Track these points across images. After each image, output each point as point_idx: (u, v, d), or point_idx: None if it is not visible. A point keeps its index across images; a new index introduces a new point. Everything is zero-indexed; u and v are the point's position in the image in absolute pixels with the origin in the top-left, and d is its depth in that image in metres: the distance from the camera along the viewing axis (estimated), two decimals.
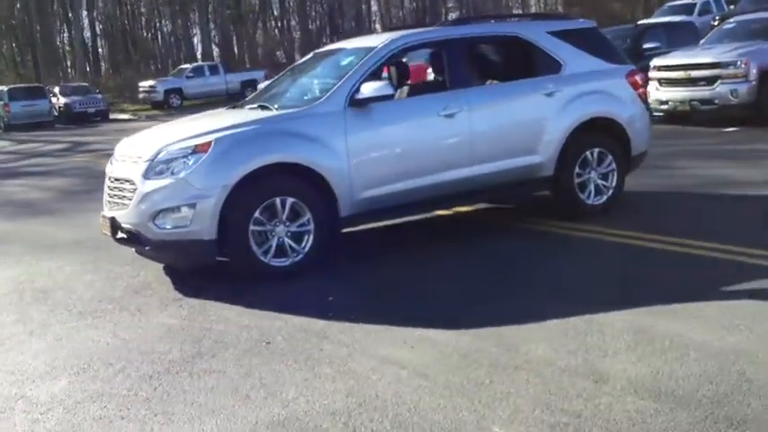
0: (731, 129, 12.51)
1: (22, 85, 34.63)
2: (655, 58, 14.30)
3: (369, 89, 6.05)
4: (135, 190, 5.74)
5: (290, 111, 6.17)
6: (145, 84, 37.14)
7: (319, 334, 4.65)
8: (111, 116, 34.29)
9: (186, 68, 37.85)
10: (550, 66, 6.99)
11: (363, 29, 53.18)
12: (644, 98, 7.47)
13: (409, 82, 7.42)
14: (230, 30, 57.17)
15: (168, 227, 5.63)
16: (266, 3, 60.67)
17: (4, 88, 32.86)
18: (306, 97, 6.47)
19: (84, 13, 65.73)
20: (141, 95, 36.98)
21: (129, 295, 5.76)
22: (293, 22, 61.47)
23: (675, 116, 13.92)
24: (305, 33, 56.58)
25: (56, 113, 33.05)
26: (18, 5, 58.08)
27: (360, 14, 58.76)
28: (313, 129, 5.94)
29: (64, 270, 6.69)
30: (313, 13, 60.92)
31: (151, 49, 63.86)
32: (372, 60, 6.33)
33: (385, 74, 7.24)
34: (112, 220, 5.94)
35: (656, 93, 13.99)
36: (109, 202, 6.12)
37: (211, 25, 55.80)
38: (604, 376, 3.75)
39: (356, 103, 6.08)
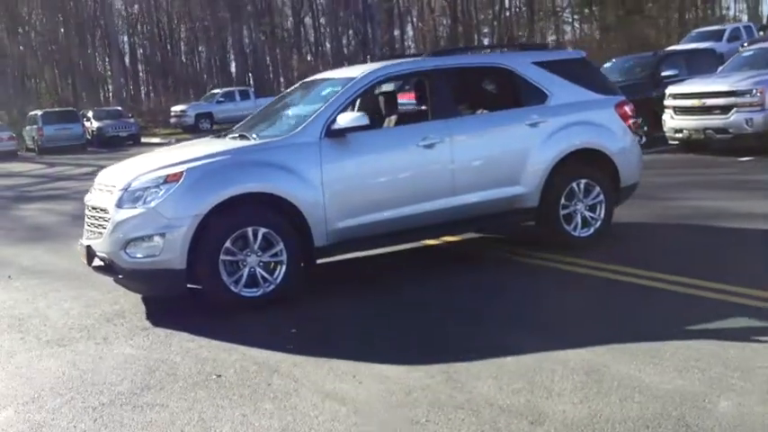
0: (746, 158, 12.27)
1: (55, 109, 35.36)
2: (670, 86, 14.13)
3: (344, 120, 6.06)
4: (109, 219, 5.79)
5: (266, 141, 6.20)
6: (177, 108, 37.70)
7: (272, 367, 4.62)
8: (144, 140, 34.83)
9: (217, 93, 38.33)
10: (536, 96, 6.93)
11: (396, 54, 53.42)
12: (634, 129, 7.35)
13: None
14: (265, 55, 58.01)
15: (139, 256, 5.66)
16: (301, 28, 61.29)
17: (39, 112, 33.57)
18: (285, 127, 6.47)
19: (125, 37, 67.49)
20: (173, 120, 37.52)
21: (100, 324, 5.79)
22: (328, 47, 62.04)
23: (691, 145, 13.74)
24: (338, 59, 57.02)
25: (89, 137, 33.65)
26: (62, 31, 59.61)
27: (393, 40, 59.17)
28: (287, 159, 5.95)
29: (47, 297, 6.76)
30: (347, 38, 61.42)
31: (188, 74, 64.86)
32: (351, 91, 6.34)
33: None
34: (88, 248, 5.99)
35: (671, 121, 13.85)
36: (87, 230, 6.17)
37: (247, 51, 56.55)
38: (542, 417, 3.67)
39: (333, 134, 6.08)
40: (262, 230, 5.79)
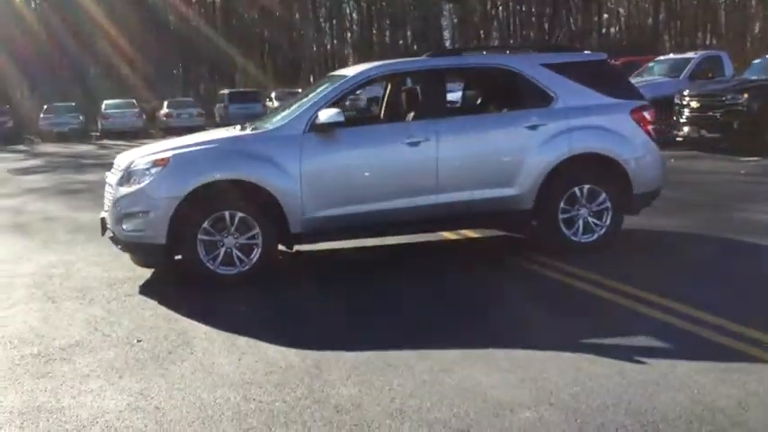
0: None
1: (240, 89, 38.07)
2: None
3: (324, 116, 6.39)
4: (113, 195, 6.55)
5: (255, 132, 6.68)
6: None
7: (187, 338, 5.12)
8: None
9: None
10: (540, 98, 6.89)
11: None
12: (654, 135, 7.08)
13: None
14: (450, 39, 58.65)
15: (131, 229, 6.36)
16: (492, 12, 61.10)
17: (226, 91, 36.33)
18: (280, 120, 6.89)
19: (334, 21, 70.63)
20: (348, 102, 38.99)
21: (101, 287, 6.53)
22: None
23: None
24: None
25: None
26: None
27: (585, 26, 57.52)
28: (268, 150, 6.40)
29: (89, 260, 7.64)
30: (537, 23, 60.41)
31: (386, 56, 66.60)
32: (340, 89, 6.67)
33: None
34: (102, 220, 6.79)
35: None
36: (105, 204, 6.97)
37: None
38: (344, 409, 3.88)
39: (317, 128, 6.44)
40: (239, 215, 6.29)
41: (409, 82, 7.92)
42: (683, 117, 15.50)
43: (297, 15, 64.83)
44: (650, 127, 7.07)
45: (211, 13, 66.51)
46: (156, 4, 58.64)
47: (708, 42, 52.54)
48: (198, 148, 6.47)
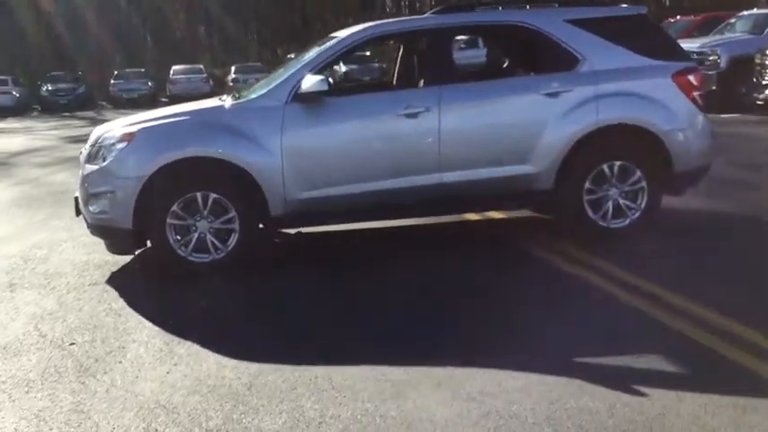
0: None
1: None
2: None
3: (306, 84, 5.61)
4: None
5: (232, 103, 5.94)
6: None
7: (125, 341, 4.50)
8: None
9: None
10: (563, 61, 5.93)
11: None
12: (701, 102, 6.04)
13: None
14: None
15: (97, 211, 5.75)
16: None
17: (292, 55, 35.77)
18: (262, 88, 6.13)
19: None
20: None
21: (70, 273, 5.96)
22: None
23: None
24: None
25: None
26: None
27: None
28: (246, 123, 5.66)
29: (78, 240, 6.98)
30: None
31: None
32: (327, 53, 5.87)
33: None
34: (76, 199, 6.20)
35: None
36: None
37: None
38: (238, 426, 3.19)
39: (301, 98, 5.67)
40: (212, 196, 5.60)
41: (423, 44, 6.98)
42: (765, 78, 14.03)
43: None
44: (696, 93, 6.03)
45: None
46: None
47: None
48: (168, 120, 5.79)
